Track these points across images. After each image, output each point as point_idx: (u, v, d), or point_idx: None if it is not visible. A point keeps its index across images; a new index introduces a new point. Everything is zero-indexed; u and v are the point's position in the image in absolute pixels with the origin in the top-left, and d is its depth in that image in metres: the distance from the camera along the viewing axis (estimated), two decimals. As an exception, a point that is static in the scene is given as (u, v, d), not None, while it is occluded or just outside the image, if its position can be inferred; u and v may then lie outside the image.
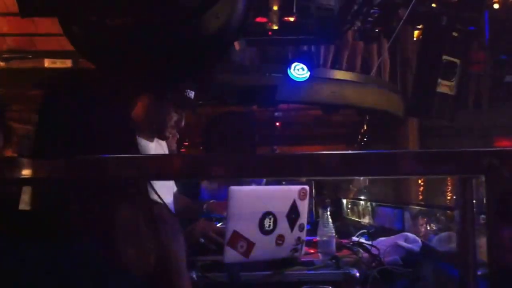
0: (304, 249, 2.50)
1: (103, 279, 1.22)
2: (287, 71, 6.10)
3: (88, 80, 1.46)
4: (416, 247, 2.61)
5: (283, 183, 2.82)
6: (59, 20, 2.57)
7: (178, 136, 2.78)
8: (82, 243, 1.23)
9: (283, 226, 2.32)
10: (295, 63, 6.11)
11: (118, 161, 0.88)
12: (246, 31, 5.27)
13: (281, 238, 2.32)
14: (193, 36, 2.42)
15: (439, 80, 6.28)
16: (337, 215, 4.63)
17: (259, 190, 2.52)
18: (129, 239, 1.26)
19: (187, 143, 8.18)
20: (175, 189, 2.86)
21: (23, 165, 0.88)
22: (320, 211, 2.65)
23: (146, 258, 1.26)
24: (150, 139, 2.60)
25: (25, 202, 1.21)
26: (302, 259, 2.44)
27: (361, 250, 2.62)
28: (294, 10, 6.10)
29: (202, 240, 2.52)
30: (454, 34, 6.24)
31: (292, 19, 6.12)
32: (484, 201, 0.79)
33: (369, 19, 6.40)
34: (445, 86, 6.36)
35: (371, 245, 2.63)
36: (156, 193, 1.34)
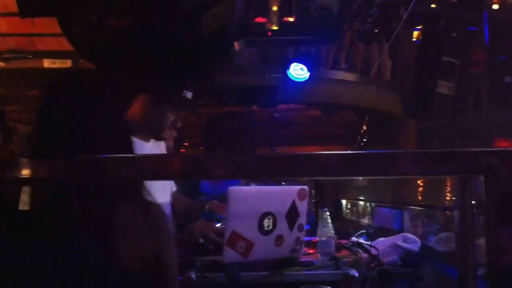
0: (303, 249, 2.50)
1: (94, 277, 1.22)
2: (286, 71, 6.10)
3: (86, 80, 1.46)
4: (415, 247, 2.61)
5: (283, 183, 2.83)
6: (59, 20, 2.57)
7: (175, 135, 2.78)
8: (74, 242, 1.23)
9: (282, 226, 2.32)
10: (295, 64, 6.11)
11: (118, 161, 0.88)
12: (245, 32, 5.27)
13: (280, 238, 2.32)
14: (193, 36, 2.42)
15: (439, 81, 6.28)
16: (337, 215, 4.63)
17: (259, 190, 2.52)
18: (121, 238, 1.26)
19: (187, 143, 8.18)
20: (174, 189, 2.86)
21: (23, 165, 0.88)
22: (320, 211, 2.65)
23: (137, 257, 1.26)
24: (147, 139, 2.60)
25: (24, 202, 1.21)
26: (301, 260, 2.45)
27: (360, 250, 2.63)
28: (294, 11, 6.11)
29: (201, 240, 2.52)
30: (454, 34, 6.24)
31: (291, 19, 6.13)
32: (484, 202, 0.79)
33: (369, 19, 6.40)
34: (444, 87, 6.35)
35: (370, 246, 2.64)
36: (148, 192, 1.34)
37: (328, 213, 2.62)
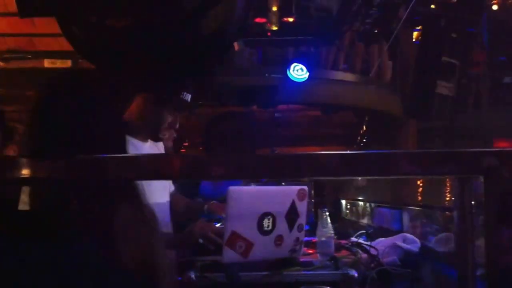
0: (303, 249, 2.50)
1: (88, 277, 1.22)
2: (286, 71, 6.10)
3: (83, 80, 1.46)
4: (414, 247, 2.61)
5: (283, 183, 2.83)
6: (58, 20, 2.57)
7: (175, 136, 2.78)
8: (72, 242, 1.23)
9: (282, 226, 2.32)
10: (295, 64, 6.11)
11: (118, 161, 0.88)
12: (245, 32, 5.27)
13: (280, 238, 2.32)
14: (193, 36, 2.42)
15: (438, 82, 6.28)
16: (336, 215, 4.63)
17: (258, 190, 2.52)
18: (114, 238, 1.26)
19: (187, 143, 8.17)
20: (172, 188, 2.85)
21: (23, 165, 0.88)
22: (319, 211, 2.66)
23: (129, 257, 1.26)
24: (145, 139, 2.60)
25: (24, 202, 1.21)
26: (301, 260, 2.45)
27: (359, 250, 2.63)
28: (293, 11, 6.11)
29: (201, 240, 2.52)
30: (453, 35, 6.24)
31: (291, 19, 6.13)
32: (483, 202, 0.80)
33: (368, 20, 6.40)
34: (444, 87, 6.35)
35: (370, 246, 2.64)
36: (142, 193, 1.34)
37: (327, 213, 2.62)
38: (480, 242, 0.87)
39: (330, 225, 2.57)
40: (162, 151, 2.74)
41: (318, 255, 2.54)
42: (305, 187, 2.41)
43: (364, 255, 2.57)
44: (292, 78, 6.07)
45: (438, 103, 6.37)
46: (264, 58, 6.58)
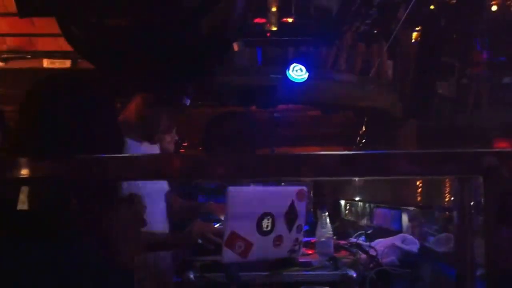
0: (302, 250, 2.50)
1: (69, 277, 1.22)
2: (286, 72, 6.10)
3: (80, 80, 1.46)
4: (414, 248, 2.61)
5: (282, 183, 2.83)
6: (58, 20, 2.57)
7: (176, 138, 2.78)
8: (71, 241, 1.23)
9: (281, 227, 2.32)
10: (294, 64, 6.11)
11: (118, 161, 0.88)
12: (245, 32, 5.27)
13: (279, 238, 2.32)
14: (193, 36, 2.42)
15: (438, 82, 6.29)
16: (335, 216, 4.63)
17: (258, 190, 2.52)
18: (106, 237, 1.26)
19: (186, 144, 8.17)
20: (167, 189, 2.84)
21: (23, 165, 0.88)
22: (318, 212, 2.66)
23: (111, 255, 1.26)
24: (140, 140, 2.59)
25: (23, 201, 1.21)
26: (300, 260, 2.45)
27: (359, 251, 2.63)
28: (293, 11, 6.11)
29: (200, 241, 2.52)
30: (453, 35, 6.24)
31: (290, 20, 6.12)
32: (483, 202, 0.80)
33: (368, 20, 6.40)
34: (444, 88, 6.36)
35: (369, 246, 2.64)
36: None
37: (327, 213, 2.62)
38: (480, 242, 0.87)
39: (329, 225, 2.57)
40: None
41: (317, 255, 2.54)
42: (305, 188, 2.41)
43: (363, 256, 2.57)
44: (292, 79, 6.07)
45: (438, 103, 6.38)
46: (263, 58, 6.58)
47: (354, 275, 2.29)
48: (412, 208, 3.30)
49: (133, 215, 1.33)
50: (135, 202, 1.34)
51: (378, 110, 7.51)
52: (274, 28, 6.00)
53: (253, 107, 6.88)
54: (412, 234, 2.87)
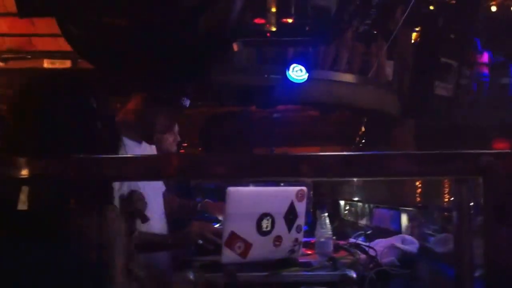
0: (302, 250, 2.50)
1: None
2: (285, 72, 6.10)
3: (80, 80, 1.46)
4: (413, 248, 2.61)
5: (281, 184, 2.83)
6: (58, 20, 2.57)
7: (179, 139, 2.78)
8: (64, 241, 1.23)
9: (280, 227, 2.32)
10: (294, 64, 6.11)
11: (118, 161, 0.88)
12: (244, 32, 5.27)
13: (278, 239, 2.32)
14: (192, 36, 2.42)
15: (436, 82, 6.29)
16: (335, 216, 4.62)
17: (257, 191, 2.52)
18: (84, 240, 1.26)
19: (186, 144, 8.17)
20: (163, 189, 2.85)
21: (23, 165, 0.88)
22: (318, 212, 2.66)
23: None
24: (138, 140, 2.59)
25: (23, 201, 1.22)
26: (300, 260, 2.45)
27: (358, 251, 2.63)
28: (292, 12, 6.10)
29: (200, 241, 2.52)
30: (451, 35, 6.25)
31: (290, 20, 6.12)
32: (482, 202, 0.80)
33: (367, 20, 6.40)
34: (442, 88, 6.37)
35: (369, 247, 2.64)
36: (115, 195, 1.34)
37: (326, 214, 2.62)
38: (479, 242, 0.87)
39: (328, 225, 2.57)
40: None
41: (316, 255, 2.54)
42: (304, 188, 2.41)
43: (363, 256, 2.57)
44: (291, 79, 6.08)
45: (436, 104, 6.38)
46: (263, 58, 6.58)
47: (354, 275, 2.29)
48: (411, 208, 3.30)
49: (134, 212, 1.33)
50: (135, 199, 1.34)
51: (377, 110, 7.52)
52: (274, 29, 6.00)
53: (253, 107, 6.88)
54: (412, 234, 2.87)
